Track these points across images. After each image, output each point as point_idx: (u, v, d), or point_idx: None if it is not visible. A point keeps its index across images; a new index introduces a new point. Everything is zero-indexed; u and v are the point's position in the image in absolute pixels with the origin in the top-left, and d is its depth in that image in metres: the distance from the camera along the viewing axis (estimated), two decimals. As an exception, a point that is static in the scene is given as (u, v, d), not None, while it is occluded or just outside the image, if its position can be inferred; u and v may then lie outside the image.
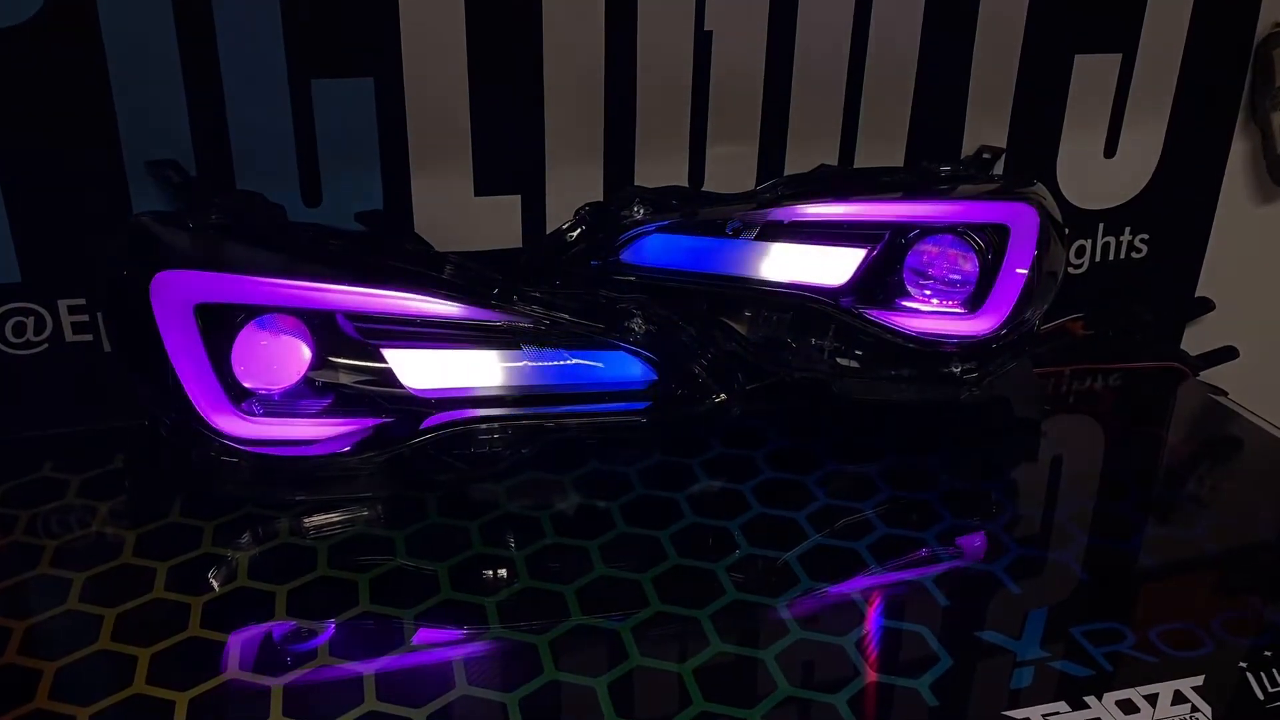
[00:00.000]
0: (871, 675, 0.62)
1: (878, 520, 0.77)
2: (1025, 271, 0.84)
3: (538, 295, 0.76)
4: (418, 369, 0.75)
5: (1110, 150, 1.07)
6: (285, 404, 0.74)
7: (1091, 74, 1.03)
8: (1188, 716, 0.60)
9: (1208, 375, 1.08)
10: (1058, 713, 0.60)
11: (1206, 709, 0.60)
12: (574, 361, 0.76)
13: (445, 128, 0.87)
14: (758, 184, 0.95)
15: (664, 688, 0.61)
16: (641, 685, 0.61)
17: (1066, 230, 0.89)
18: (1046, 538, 0.78)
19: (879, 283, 0.86)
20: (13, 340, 0.83)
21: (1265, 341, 1.19)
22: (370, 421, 0.75)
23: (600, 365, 0.76)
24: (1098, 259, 1.10)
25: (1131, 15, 1.02)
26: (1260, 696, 0.62)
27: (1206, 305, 1.17)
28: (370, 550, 0.73)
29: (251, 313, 0.72)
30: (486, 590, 0.69)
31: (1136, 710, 0.60)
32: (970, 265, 0.86)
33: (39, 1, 0.75)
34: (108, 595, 0.67)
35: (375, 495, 0.77)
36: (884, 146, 0.99)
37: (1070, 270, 1.09)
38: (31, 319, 0.83)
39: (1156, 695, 0.61)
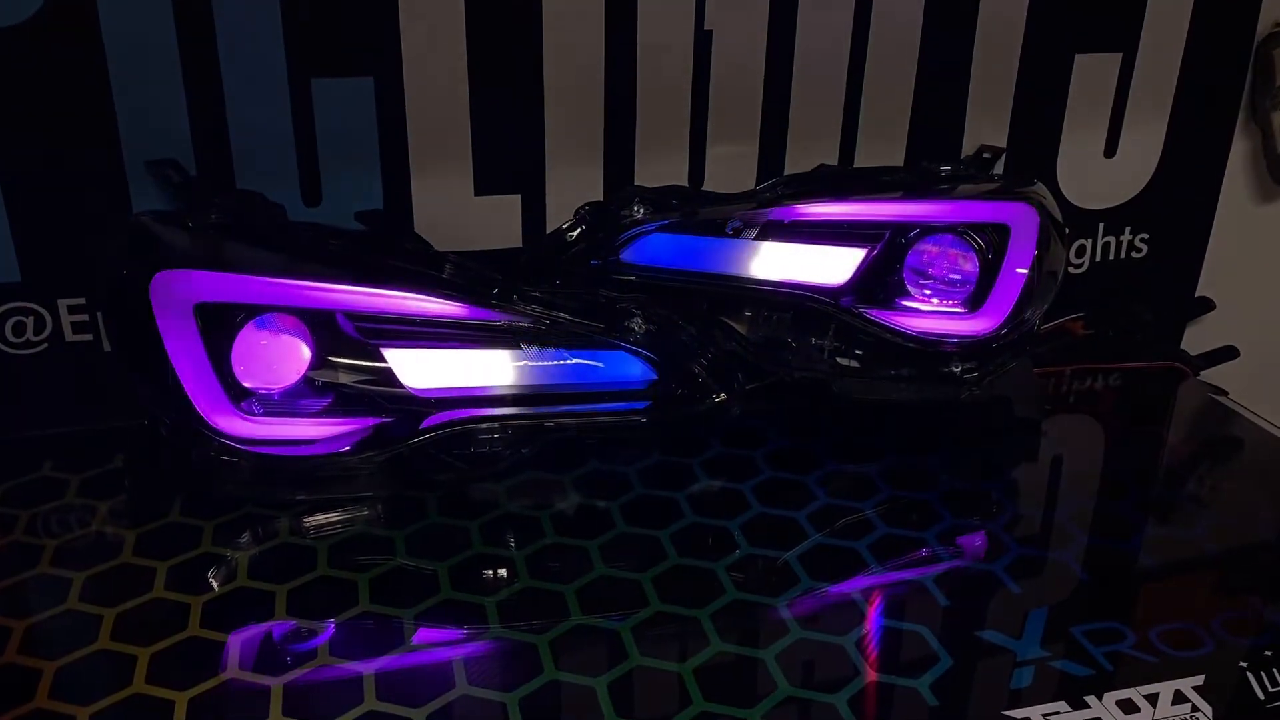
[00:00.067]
0: (872, 675, 0.62)
1: (878, 520, 0.77)
2: (1025, 271, 0.84)
3: (538, 295, 0.76)
4: (417, 368, 0.75)
5: (1110, 150, 1.07)
6: (285, 403, 0.74)
7: (1092, 74, 1.03)
8: (1188, 716, 0.60)
9: (1208, 375, 1.09)
10: (1058, 712, 0.60)
11: (1207, 709, 0.60)
12: (574, 361, 0.76)
13: (445, 127, 0.87)
14: (758, 184, 0.95)
15: (664, 687, 0.61)
16: (641, 685, 0.61)
17: (1067, 230, 0.89)
18: (1047, 537, 0.78)
19: (879, 282, 0.86)
20: (13, 340, 0.83)
21: (1266, 341, 1.19)
22: (370, 421, 0.75)
23: (600, 365, 0.76)
24: (1098, 259, 1.10)
25: (1132, 15, 1.02)
26: (1260, 696, 0.62)
27: (1207, 305, 1.17)
28: (370, 550, 0.73)
29: (251, 312, 0.72)
30: (486, 590, 0.69)
31: (1137, 710, 0.60)
32: (970, 265, 0.86)
33: (39, 1, 0.75)
34: (107, 595, 0.67)
35: (375, 495, 0.77)
36: (884, 146, 0.99)
37: (1070, 270, 1.09)
38: (31, 319, 0.83)
39: (1157, 695, 0.61)
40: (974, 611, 0.69)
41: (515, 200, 0.92)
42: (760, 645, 0.65)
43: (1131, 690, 0.61)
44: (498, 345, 0.75)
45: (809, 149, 0.97)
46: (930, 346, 0.85)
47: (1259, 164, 1.13)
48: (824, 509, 0.78)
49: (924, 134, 1.00)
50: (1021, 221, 0.84)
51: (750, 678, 0.62)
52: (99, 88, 0.78)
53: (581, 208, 0.85)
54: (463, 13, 0.85)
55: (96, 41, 0.77)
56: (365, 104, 0.85)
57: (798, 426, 0.89)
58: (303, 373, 0.74)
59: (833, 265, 0.86)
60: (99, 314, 0.84)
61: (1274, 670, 0.63)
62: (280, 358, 0.73)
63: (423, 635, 0.65)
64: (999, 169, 0.95)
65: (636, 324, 0.76)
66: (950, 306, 0.87)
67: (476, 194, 0.90)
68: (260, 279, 0.71)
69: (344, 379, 0.74)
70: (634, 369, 0.77)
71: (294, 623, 0.66)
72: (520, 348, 0.75)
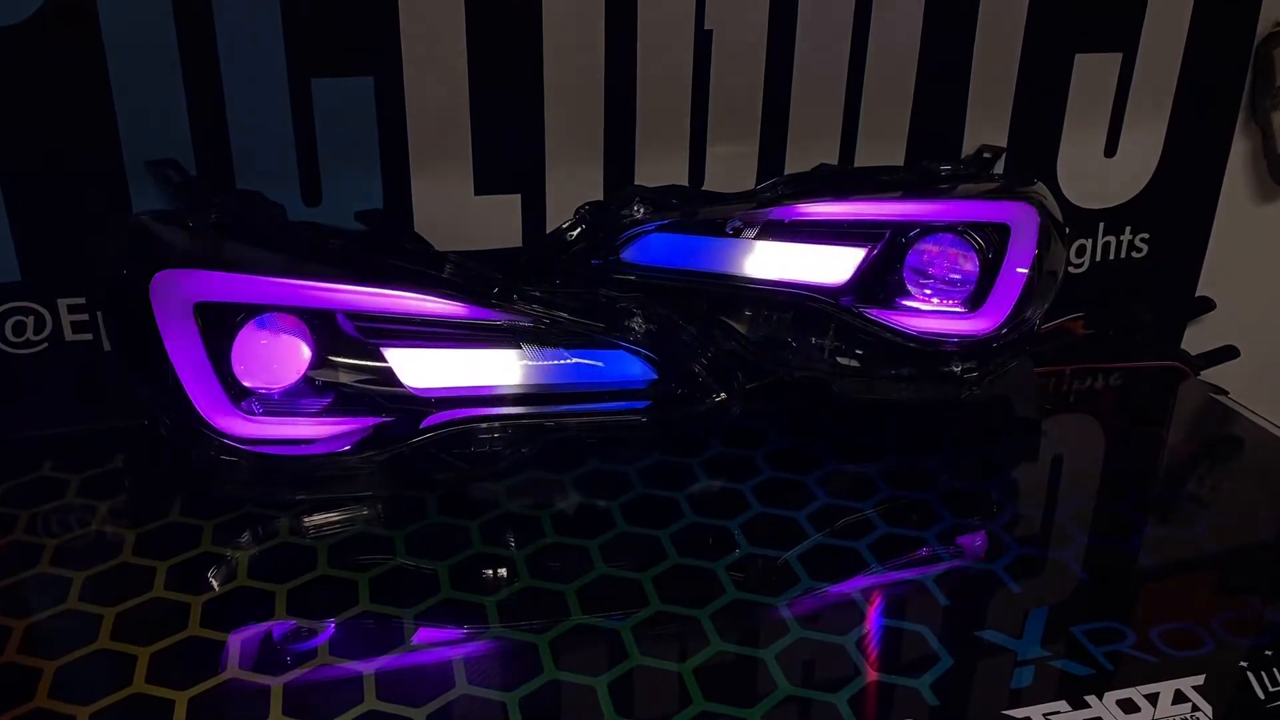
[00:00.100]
0: (872, 675, 0.62)
1: (878, 520, 0.77)
2: (1026, 271, 0.84)
3: (538, 294, 0.76)
4: (418, 368, 0.74)
5: (1111, 149, 1.07)
6: (285, 403, 0.74)
7: (1092, 73, 1.03)
8: (1188, 716, 0.60)
9: (1208, 375, 1.08)
10: (1058, 712, 0.60)
11: (1207, 708, 0.60)
12: (574, 361, 0.76)
13: (445, 127, 0.87)
14: (758, 183, 0.95)
15: (664, 687, 0.61)
16: (642, 685, 0.61)
17: (1067, 229, 0.89)
18: (1047, 537, 0.78)
19: (879, 282, 0.86)
20: (12, 339, 0.83)
21: (1266, 341, 1.19)
22: (370, 421, 0.75)
23: (600, 364, 0.76)
24: (1098, 258, 1.10)
25: (1132, 14, 1.02)
26: (1261, 696, 0.62)
27: (1207, 305, 1.17)
28: (370, 549, 0.73)
29: (251, 312, 0.72)
30: (486, 589, 0.69)
31: (1137, 709, 0.60)
32: (971, 264, 0.86)
33: (38, 1, 0.75)
34: (107, 594, 0.67)
35: (375, 494, 0.77)
36: (884, 146, 0.99)
37: (1071, 269, 1.09)
38: (31, 318, 0.83)
39: (1157, 694, 0.61)
40: (974, 611, 0.69)
41: (515, 200, 0.92)
42: (760, 645, 0.65)
43: (1132, 690, 0.61)
44: (498, 345, 0.75)
45: (809, 148, 0.97)
46: (930, 346, 0.85)
47: (1259, 164, 1.13)
48: (824, 509, 0.78)
49: (924, 134, 1.00)
50: (1022, 221, 0.84)
51: (751, 677, 0.62)
52: (99, 88, 0.78)
53: (581, 207, 0.85)
54: (463, 12, 0.85)
55: (96, 41, 0.77)
56: (365, 104, 0.85)
57: (798, 426, 0.89)
58: (303, 372, 0.74)
59: (833, 265, 0.86)
60: (99, 313, 0.84)
61: (1274, 670, 0.63)
62: (280, 357, 0.73)
63: (423, 635, 0.65)
64: (999, 169, 0.95)
65: (637, 323, 0.76)
66: (950, 306, 0.87)
67: (476, 193, 0.90)
68: (260, 278, 0.71)
69: (344, 378, 0.74)
70: (634, 368, 0.77)
71: (294, 622, 0.66)
72: (520, 347, 0.75)
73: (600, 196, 0.93)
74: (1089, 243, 1.09)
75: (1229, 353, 1.13)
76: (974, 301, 0.86)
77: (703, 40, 0.91)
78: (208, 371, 0.71)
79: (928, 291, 0.87)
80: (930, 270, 0.87)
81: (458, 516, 0.76)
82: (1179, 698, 0.61)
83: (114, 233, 0.74)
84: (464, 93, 0.87)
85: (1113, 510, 0.81)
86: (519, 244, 0.93)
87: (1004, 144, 1.02)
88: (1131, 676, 0.62)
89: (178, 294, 0.70)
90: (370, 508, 0.77)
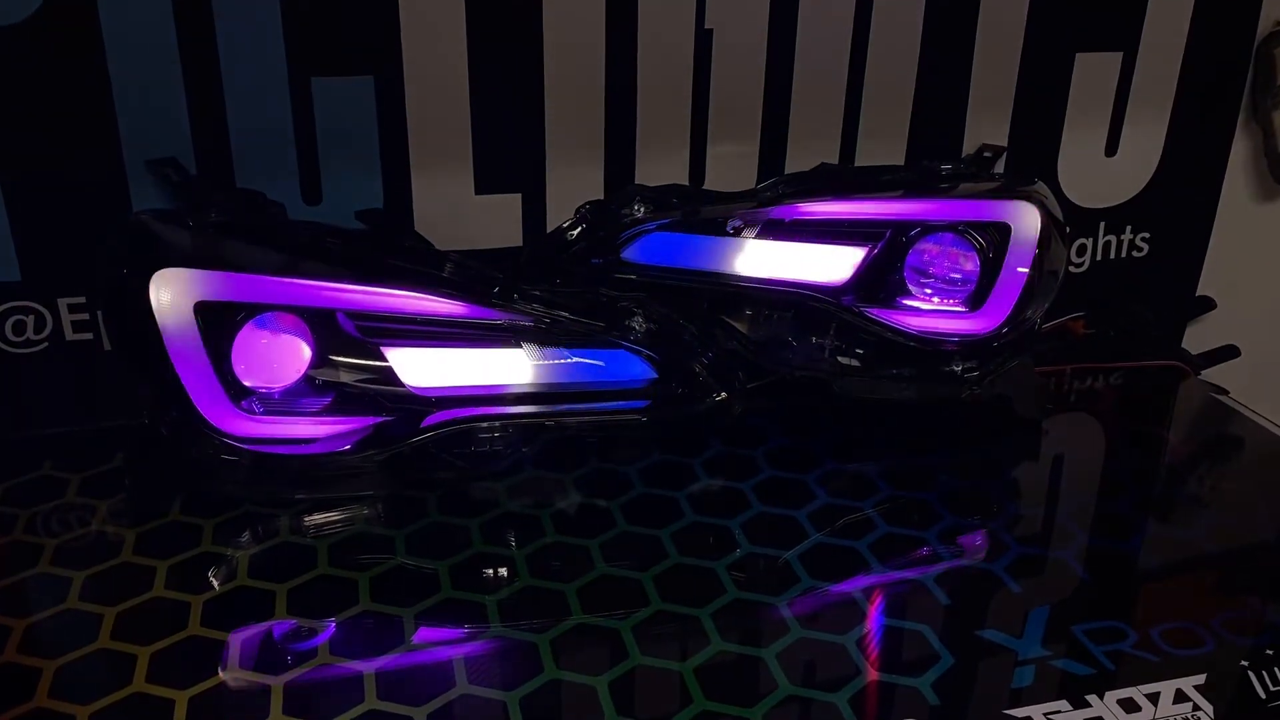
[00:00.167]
0: (873, 674, 0.62)
1: (879, 519, 0.77)
2: (1026, 270, 0.84)
3: (538, 294, 0.76)
4: (418, 367, 0.74)
5: (1111, 149, 1.07)
6: (285, 402, 0.74)
7: (1092, 72, 1.03)
8: (1189, 715, 0.60)
9: (1209, 374, 1.08)
10: (1059, 711, 0.60)
11: (1208, 707, 0.60)
12: (575, 360, 0.76)
13: (445, 126, 0.87)
14: (758, 182, 0.95)
15: (665, 686, 0.61)
16: (642, 684, 0.61)
17: (1068, 229, 0.89)
18: (1047, 537, 0.78)
19: (880, 281, 0.86)
20: (13, 339, 0.83)
21: (1266, 340, 1.19)
22: (370, 420, 0.75)
23: (601, 364, 0.76)
24: (1099, 258, 1.10)
25: (1132, 13, 1.02)
26: (1262, 695, 0.62)
27: (1208, 304, 1.17)
28: (370, 549, 0.73)
29: (251, 311, 0.72)
30: (487, 589, 0.69)
31: (1138, 709, 0.60)
32: (971, 264, 0.86)
33: (37, 1, 0.75)
34: (107, 594, 0.67)
35: (375, 494, 0.77)
36: (885, 145, 0.99)
37: (1071, 269, 1.09)
38: (31, 317, 0.83)
39: (1158, 694, 0.61)
40: (975, 611, 0.69)
41: (516, 199, 0.92)
42: (761, 644, 0.65)
43: (1133, 689, 0.61)
44: (498, 344, 0.75)
45: (810, 148, 0.97)
46: (931, 345, 0.85)
47: (1260, 163, 1.13)
48: (824, 508, 0.78)
49: (924, 133, 1.00)
50: (1022, 220, 0.84)
51: (751, 677, 0.62)
52: (99, 88, 0.78)
53: (582, 206, 0.85)
54: (463, 12, 0.84)
55: (96, 41, 0.77)
56: (365, 103, 0.85)
57: (798, 425, 0.89)
58: (303, 371, 0.74)
59: (833, 264, 0.86)
60: (99, 313, 0.84)
61: (1275, 669, 0.63)
62: (281, 356, 0.73)
63: (423, 634, 0.65)
64: (1000, 168, 0.95)
65: (637, 323, 0.76)
66: (951, 305, 0.87)
67: (477, 193, 0.90)
68: (261, 278, 0.71)
69: (344, 378, 0.74)
70: (635, 368, 0.77)
71: (294, 622, 0.66)
72: (521, 346, 0.75)
73: (601, 196, 0.93)
74: (1089, 242, 1.09)
75: (1229, 352, 1.13)
76: (974, 301, 0.86)
77: (703, 40, 0.91)
78: (208, 371, 0.71)
79: (928, 291, 0.87)
80: (931, 270, 0.87)
81: (458, 516, 0.76)
82: (1180, 697, 0.61)
83: (114, 232, 0.74)
84: (464, 92, 0.87)
85: (1113, 510, 0.81)
86: (519, 243, 0.92)
87: (1004, 143, 1.02)
88: (1132, 676, 0.62)
89: (178, 293, 0.70)
90: (370, 507, 0.77)
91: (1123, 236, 1.10)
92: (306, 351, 0.73)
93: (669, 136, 0.93)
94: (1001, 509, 0.81)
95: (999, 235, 0.85)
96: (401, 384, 0.74)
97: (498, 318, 0.74)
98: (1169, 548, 0.79)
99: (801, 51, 0.94)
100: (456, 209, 0.90)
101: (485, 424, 0.75)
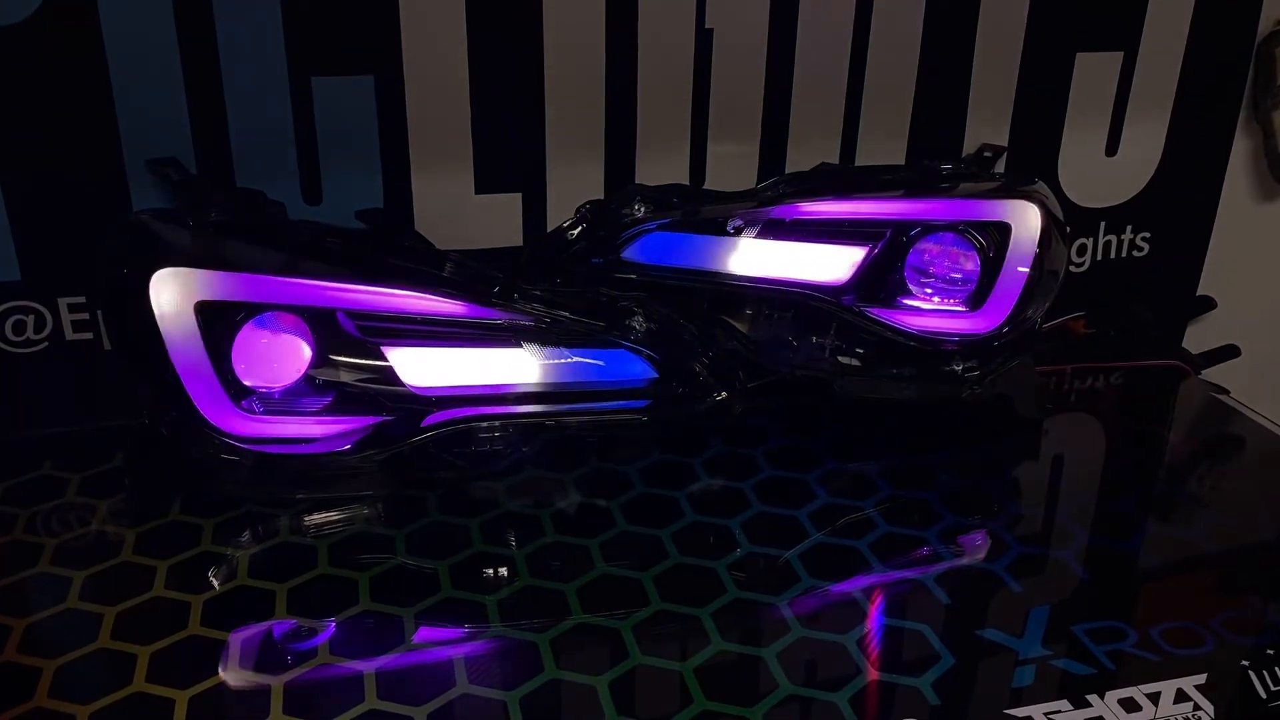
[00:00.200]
0: (873, 674, 0.62)
1: (879, 518, 0.77)
2: (1027, 270, 0.84)
3: (538, 293, 0.76)
4: (418, 367, 0.74)
5: (1112, 148, 1.07)
6: (285, 402, 0.74)
7: (1093, 72, 1.03)
8: (1190, 715, 0.60)
9: (1209, 374, 1.08)
10: (1060, 711, 0.60)
11: (1209, 707, 0.60)
12: (575, 360, 0.76)
13: (446, 125, 0.87)
14: (759, 182, 0.95)
15: (665, 686, 0.61)
16: (643, 684, 0.61)
17: (1068, 228, 0.88)
18: (1048, 536, 0.78)
19: (880, 281, 0.86)
20: (13, 338, 0.83)
21: (1267, 340, 1.19)
22: (371, 419, 0.75)
23: (601, 363, 0.76)
24: (1099, 257, 1.10)
25: (1133, 13, 1.02)
26: (1263, 695, 0.62)
27: (1208, 304, 1.17)
28: (370, 548, 0.72)
29: (252, 310, 0.72)
30: (487, 588, 0.69)
31: (1139, 709, 0.60)
32: (972, 263, 0.86)
33: (37, 1, 0.75)
34: (107, 594, 0.67)
35: (375, 493, 0.77)
36: (885, 145, 0.99)
37: (1072, 269, 1.09)
38: (31, 317, 0.83)
39: (1159, 694, 0.61)
40: (975, 610, 0.69)
41: (516, 199, 0.92)
42: (762, 644, 0.64)
43: (1133, 689, 0.61)
44: (499, 344, 0.75)
45: (810, 147, 0.96)
46: (931, 345, 0.85)
47: (1260, 163, 1.13)
48: (825, 508, 0.78)
49: (925, 133, 1.00)
50: (1023, 220, 0.84)
51: (752, 676, 0.62)
52: (99, 88, 0.78)
53: (582, 206, 0.85)
54: (463, 12, 0.84)
55: (96, 41, 0.77)
56: (366, 102, 0.85)
57: (798, 425, 0.89)
58: (303, 371, 0.74)
59: (834, 264, 0.86)
60: (99, 313, 0.84)
61: (1276, 669, 0.63)
62: (281, 356, 0.73)
63: (423, 634, 0.65)
64: (1000, 168, 0.95)
65: (637, 322, 0.76)
66: (951, 305, 0.87)
67: (477, 192, 0.90)
68: (261, 277, 0.71)
69: (345, 377, 0.74)
70: (635, 367, 0.77)
71: (294, 621, 0.66)
72: (521, 346, 0.75)
73: (601, 195, 0.93)
74: (1090, 242, 1.09)
75: (1230, 352, 1.13)
76: (975, 300, 0.86)
77: (703, 39, 0.91)
78: (208, 370, 0.71)
79: (929, 290, 0.87)
80: (931, 269, 0.87)
81: (458, 515, 0.76)
82: (1181, 697, 0.61)
83: (114, 232, 0.74)
84: (464, 92, 0.87)
85: (1113, 509, 0.81)
86: (519, 243, 0.92)
87: (1005, 143, 1.01)
88: (1133, 676, 0.62)
89: (178, 293, 0.70)
90: (370, 507, 0.77)
91: (1123, 236, 1.10)
92: (307, 351, 0.73)
93: (669, 136, 0.93)
94: (1002, 509, 0.81)
95: (999, 235, 0.85)
96: (402, 384, 0.74)
97: (498, 317, 0.74)
98: (1169, 547, 0.79)
99: (802, 51, 0.94)
100: (456, 209, 0.90)
101: (485, 424, 0.75)
